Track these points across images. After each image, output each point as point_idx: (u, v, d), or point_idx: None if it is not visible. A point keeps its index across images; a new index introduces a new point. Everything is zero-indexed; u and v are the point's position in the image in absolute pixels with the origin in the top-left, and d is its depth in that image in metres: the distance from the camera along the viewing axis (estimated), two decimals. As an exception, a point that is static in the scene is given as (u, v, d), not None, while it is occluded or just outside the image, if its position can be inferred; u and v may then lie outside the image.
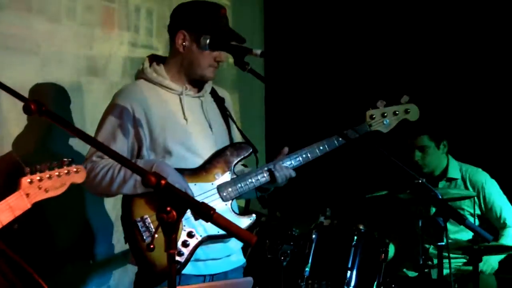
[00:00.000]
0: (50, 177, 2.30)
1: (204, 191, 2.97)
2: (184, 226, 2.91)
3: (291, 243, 4.03)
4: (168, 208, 1.65)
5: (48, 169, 2.30)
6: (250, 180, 3.04)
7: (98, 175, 2.93)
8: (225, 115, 3.22)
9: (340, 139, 3.11)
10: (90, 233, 3.95)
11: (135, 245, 2.93)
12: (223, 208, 2.98)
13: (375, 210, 4.70)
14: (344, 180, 5.21)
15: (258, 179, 3.05)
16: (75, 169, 2.38)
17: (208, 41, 2.92)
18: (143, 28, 4.47)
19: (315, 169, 4.71)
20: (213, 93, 3.22)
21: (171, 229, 1.68)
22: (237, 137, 3.26)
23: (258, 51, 2.85)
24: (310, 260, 3.92)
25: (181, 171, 2.95)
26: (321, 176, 5.07)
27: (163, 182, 1.67)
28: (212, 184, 3.00)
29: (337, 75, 5.41)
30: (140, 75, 3.13)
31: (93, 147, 2.60)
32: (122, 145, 2.97)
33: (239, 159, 3.08)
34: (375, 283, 3.90)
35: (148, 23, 4.52)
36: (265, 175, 3.05)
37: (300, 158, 3.12)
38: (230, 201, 3.03)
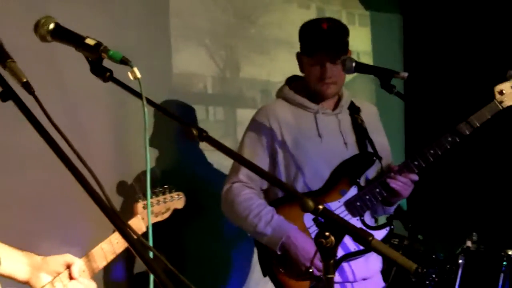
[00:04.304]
0: (158, 203, 2.41)
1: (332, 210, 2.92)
2: None
3: (436, 267, 3.93)
4: (327, 233, 1.64)
5: (155, 195, 2.41)
6: (372, 193, 2.95)
7: (236, 205, 2.97)
8: (358, 127, 3.14)
9: (470, 124, 2.92)
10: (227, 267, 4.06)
11: (275, 278, 2.93)
12: (355, 224, 2.88)
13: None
14: (492, 202, 5.00)
15: (375, 194, 2.94)
16: (176, 195, 2.48)
17: (354, 64, 2.93)
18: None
19: (460, 191, 4.56)
20: (351, 106, 3.19)
21: (329, 254, 1.67)
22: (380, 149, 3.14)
23: (405, 74, 2.80)
24: (457, 286, 3.80)
25: (307, 195, 2.92)
26: (467, 198, 4.89)
27: (320, 207, 1.67)
28: (339, 201, 2.97)
29: (477, 92, 5.20)
30: (279, 94, 3.22)
31: (245, 167, 2.63)
32: (263, 162, 3.01)
33: (362, 171, 3.02)
34: (526, 311, 3.73)
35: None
36: (382, 190, 2.93)
37: (430, 156, 2.95)
38: (361, 216, 2.97)
